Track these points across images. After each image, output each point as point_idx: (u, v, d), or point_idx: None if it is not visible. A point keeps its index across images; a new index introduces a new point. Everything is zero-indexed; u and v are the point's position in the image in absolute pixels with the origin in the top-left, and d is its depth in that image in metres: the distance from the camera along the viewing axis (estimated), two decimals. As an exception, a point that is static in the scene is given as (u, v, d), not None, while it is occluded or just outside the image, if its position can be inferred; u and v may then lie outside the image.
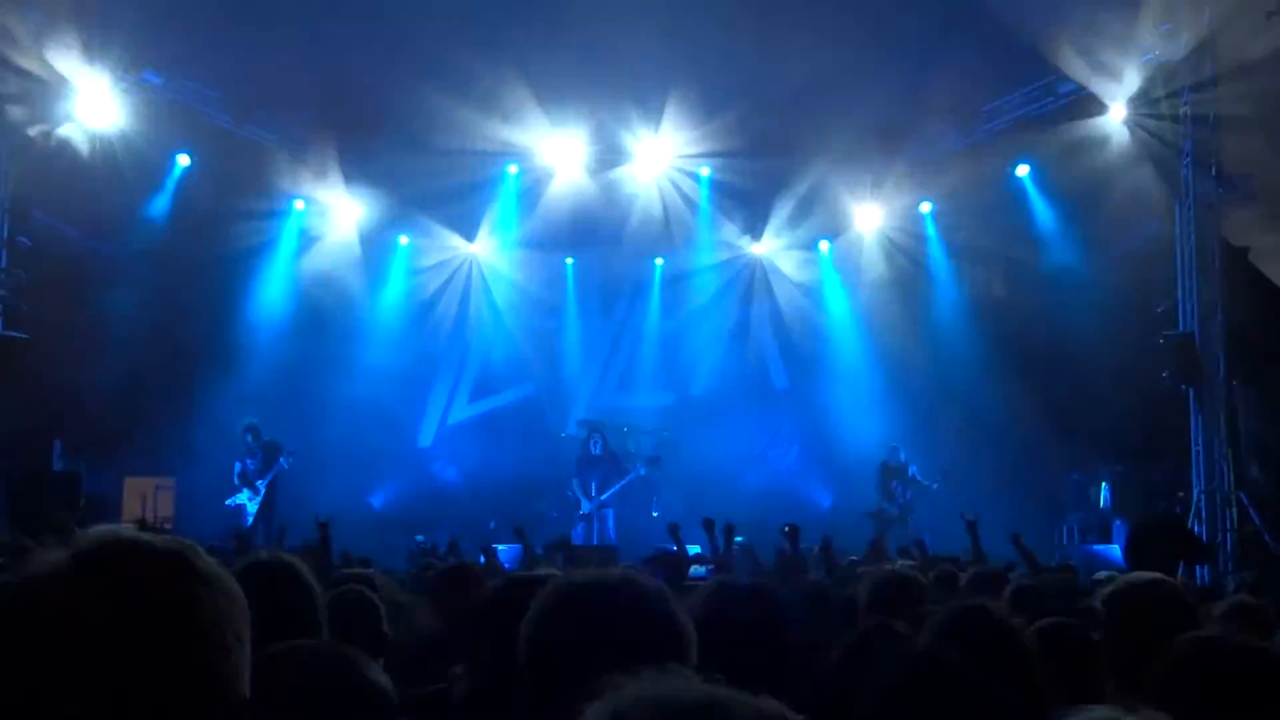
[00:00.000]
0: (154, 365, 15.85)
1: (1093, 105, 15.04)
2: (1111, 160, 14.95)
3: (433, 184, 17.72)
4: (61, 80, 14.00)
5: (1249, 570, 11.15)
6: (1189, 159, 13.69)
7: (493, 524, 15.15)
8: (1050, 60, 14.77)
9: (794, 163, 17.59)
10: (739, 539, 10.06)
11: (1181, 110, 13.73)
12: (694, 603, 2.94)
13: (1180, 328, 13.73)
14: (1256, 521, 12.66)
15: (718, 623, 2.81)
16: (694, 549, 10.43)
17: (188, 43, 14.51)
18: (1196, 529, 13.09)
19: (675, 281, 20.00)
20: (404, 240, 19.31)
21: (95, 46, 14.12)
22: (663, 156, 18.02)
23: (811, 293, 19.84)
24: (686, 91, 15.95)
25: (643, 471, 17.57)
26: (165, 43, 14.38)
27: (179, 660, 1.40)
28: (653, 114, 16.88)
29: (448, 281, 19.76)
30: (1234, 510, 13.00)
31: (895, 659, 2.71)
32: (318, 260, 18.45)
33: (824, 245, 19.61)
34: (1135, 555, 7.39)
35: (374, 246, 18.99)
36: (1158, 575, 3.59)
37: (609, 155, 18.05)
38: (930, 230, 18.43)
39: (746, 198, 18.84)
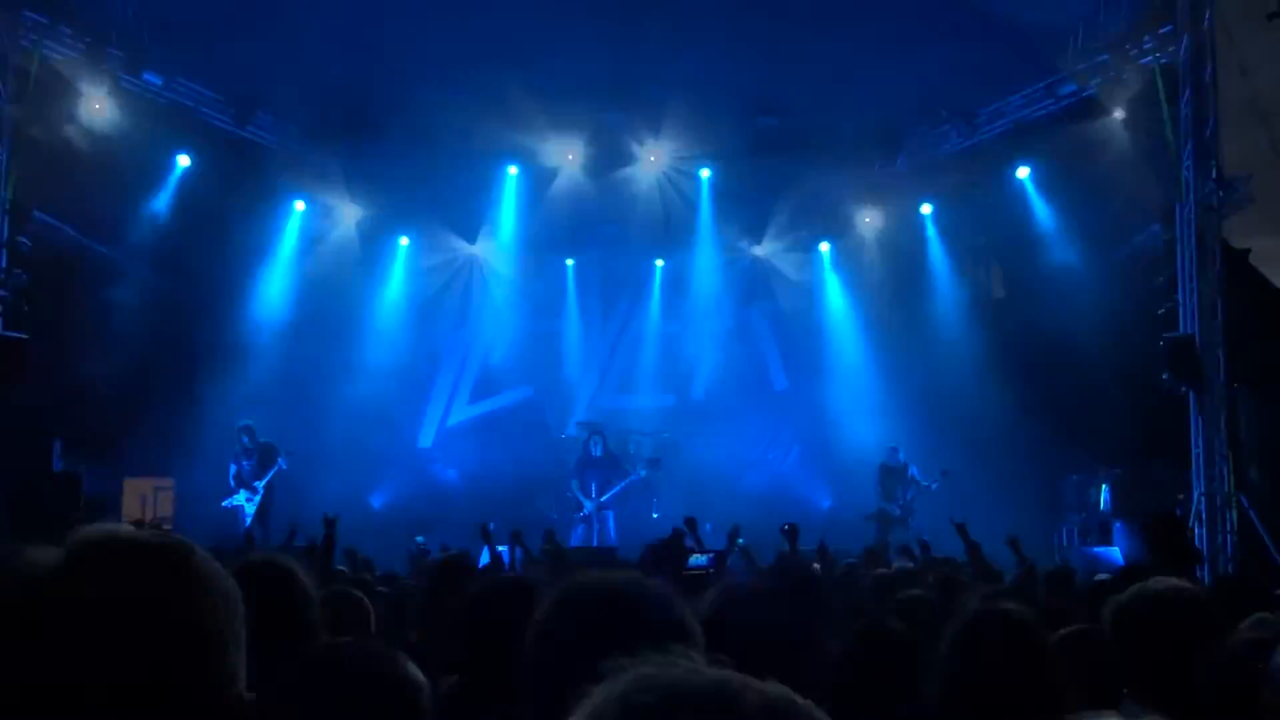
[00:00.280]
0: (154, 366, 15.85)
1: (1093, 107, 15.04)
2: (1112, 162, 14.94)
3: (433, 185, 17.75)
4: (62, 81, 14.00)
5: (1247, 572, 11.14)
6: (1189, 161, 13.67)
7: (492, 525, 15.10)
8: (1051, 62, 14.77)
9: (794, 164, 17.59)
10: (739, 540, 10.05)
11: (1181, 112, 13.72)
12: (702, 605, 2.94)
13: (1180, 329, 13.71)
14: (1258, 525, 12.65)
15: (726, 625, 2.81)
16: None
17: (189, 44, 14.52)
18: (1198, 531, 13.09)
19: (675, 283, 20.00)
20: (405, 241, 19.33)
21: (96, 48, 14.12)
22: (663, 158, 18.04)
23: (811, 294, 19.85)
24: (687, 93, 15.96)
25: (643, 473, 17.56)
26: (166, 43, 14.39)
27: (174, 659, 1.39)
28: (653, 115, 16.90)
29: (448, 282, 19.78)
30: (1234, 512, 12.99)
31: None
32: (318, 261, 18.46)
33: (824, 246, 19.63)
34: (1152, 549, 7.38)
35: (375, 247, 19.01)
36: (1177, 582, 3.53)
37: (610, 156, 18.07)
38: (930, 232, 18.44)
39: (747, 199, 18.85)
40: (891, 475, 16.66)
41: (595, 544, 16.07)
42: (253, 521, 15.32)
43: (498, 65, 14.71)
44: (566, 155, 18.01)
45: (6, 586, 1.41)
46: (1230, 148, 13.32)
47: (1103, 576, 8.25)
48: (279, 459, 15.62)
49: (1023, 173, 16.83)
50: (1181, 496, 13.63)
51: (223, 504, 15.69)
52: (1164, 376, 13.67)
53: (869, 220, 18.83)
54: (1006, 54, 14.37)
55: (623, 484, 17.18)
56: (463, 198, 18.49)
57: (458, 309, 19.84)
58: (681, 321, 20.00)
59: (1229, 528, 13.02)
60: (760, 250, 19.72)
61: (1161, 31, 13.83)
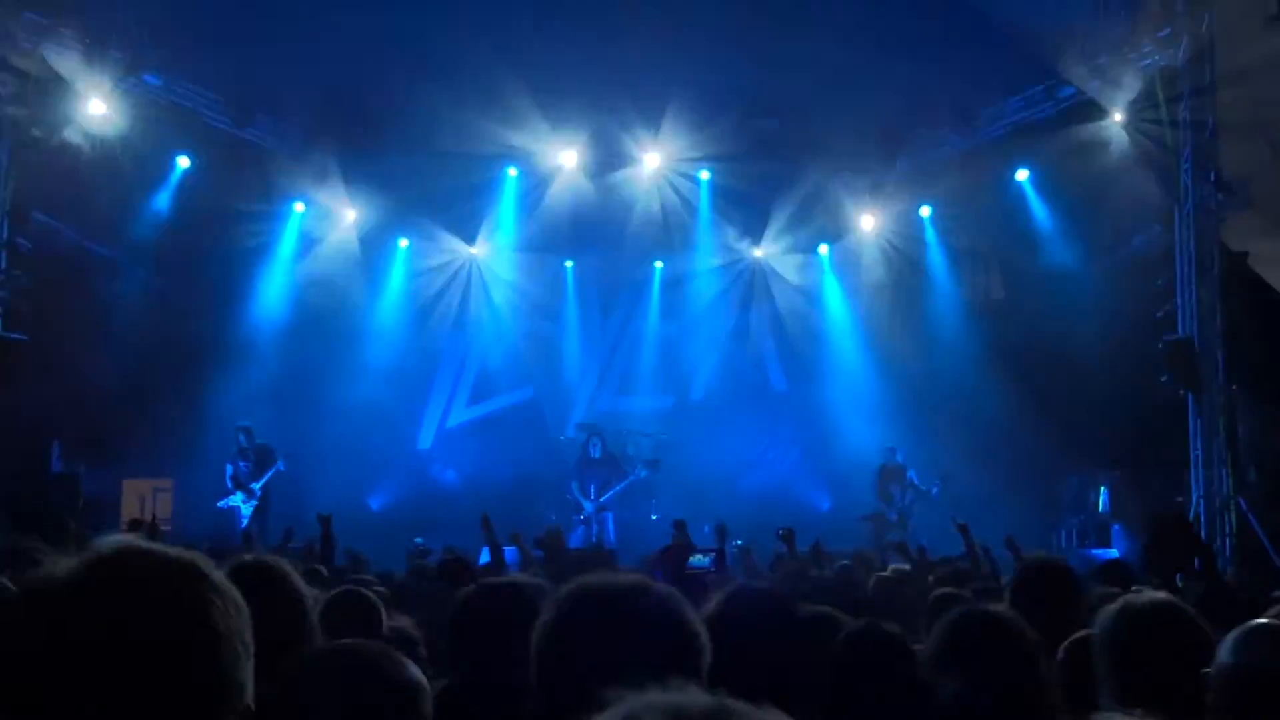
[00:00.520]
0: (153, 367, 15.85)
1: (1092, 110, 15.04)
2: (1111, 165, 14.95)
3: (433, 186, 17.75)
4: (62, 82, 13.99)
5: (1247, 574, 11.14)
6: (1188, 164, 13.68)
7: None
8: (1050, 65, 14.78)
9: (794, 166, 17.62)
10: (737, 541, 10.08)
11: (1181, 115, 13.72)
12: (708, 607, 2.95)
13: (1179, 332, 13.72)
14: (1256, 528, 12.65)
15: (731, 627, 2.81)
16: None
17: (188, 45, 14.51)
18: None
19: (675, 284, 20.01)
20: (404, 243, 19.33)
21: (96, 48, 14.12)
22: (662, 159, 18.03)
23: (811, 296, 19.86)
24: (686, 94, 15.97)
25: (643, 474, 17.55)
26: (166, 45, 14.39)
27: (190, 670, 1.41)
28: (652, 117, 16.90)
29: (447, 284, 19.78)
30: (1232, 515, 12.99)
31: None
32: (318, 262, 18.46)
33: (823, 249, 19.63)
34: (1154, 556, 7.36)
35: (374, 249, 19.01)
36: (1164, 596, 3.51)
37: (609, 158, 18.07)
38: (930, 234, 18.45)
39: (746, 201, 18.85)
40: (889, 476, 16.65)
41: (594, 544, 16.05)
42: (250, 522, 15.31)
43: (497, 67, 14.72)
44: (566, 157, 18.01)
45: (26, 597, 1.43)
46: (1229, 151, 13.33)
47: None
48: (278, 461, 15.62)
49: (1022, 175, 16.84)
50: (1180, 499, 13.63)
51: (219, 504, 15.68)
52: (1163, 379, 13.68)
53: (868, 222, 18.84)
54: (1006, 57, 14.37)
55: (622, 485, 17.17)
56: (462, 199, 18.49)
57: (457, 310, 19.83)
58: (680, 323, 20.00)
59: (1228, 530, 13.03)
60: (759, 252, 19.73)
61: (1161, 34, 13.83)
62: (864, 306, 19.14)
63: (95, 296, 15.41)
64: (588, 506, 17.00)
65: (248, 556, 3.28)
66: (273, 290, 18.01)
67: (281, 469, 15.65)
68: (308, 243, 18.42)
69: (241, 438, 15.86)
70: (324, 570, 7.55)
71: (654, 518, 17.41)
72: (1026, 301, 17.40)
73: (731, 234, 19.52)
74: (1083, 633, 3.85)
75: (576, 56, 14.76)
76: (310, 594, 3.22)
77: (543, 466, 18.57)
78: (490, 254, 19.68)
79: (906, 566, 8.99)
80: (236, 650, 1.47)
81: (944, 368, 17.55)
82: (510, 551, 11.40)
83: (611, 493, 17.08)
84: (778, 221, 19.02)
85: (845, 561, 10.02)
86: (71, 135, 14.24)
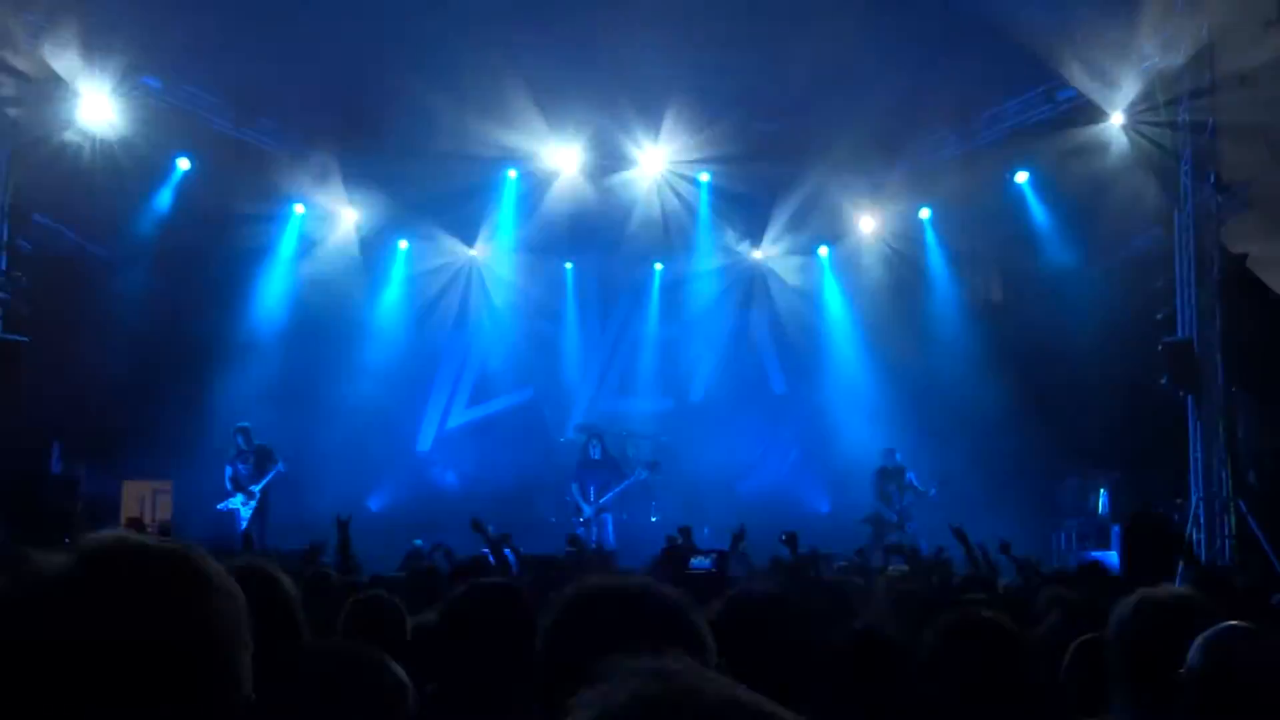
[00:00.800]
0: (154, 368, 15.88)
1: (1092, 112, 15.04)
2: (1110, 167, 14.95)
3: (432, 188, 17.75)
4: (62, 84, 14.00)
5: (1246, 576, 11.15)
6: (1188, 166, 13.69)
7: (492, 528, 15.10)
8: (1049, 67, 14.78)
9: (793, 168, 17.61)
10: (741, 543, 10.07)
11: (1180, 117, 13.73)
12: (713, 609, 2.95)
13: (1179, 334, 13.73)
14: (1256, 530, 12.66)
15: (735, 629, 2.82)
16: None
17: (188, 47, 14.51)
18: (1195, 536, 13.10)
19: (674, 286, 20.02)
20: (403, 244, 19.36)
21: (96, 51, 14.12)
22: (662, 161, 18.03)
23: (810, 298, 19.87)
24: (686, 96, 15.96)
25: (643, 475, 17.56)
26: (166, 47, 14.38)
27: (186, 664, 1.41)
28: (652, 119, 16.89)
29: (447, 285, 19.80)
30: (1232, 517, 13.00)
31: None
32: (317, 264, 18.47)
33: (823, 251, 19.65)
34: (1131, 556, 7.40)
35: (374, 250, 19.03)
36: (1183, 591, 3.47)
37: (608, 160, 18.06)
38: (929, 236, 18.46)
39: (746, 203, 18.85)
40: (888, 478, 16.66)
41: (593, 547, 16.05)
42: (249, 525, 15.31)
43: (497, 68, 14.72)
44: (566, 159, 18.01)
45: (20, 592, 1.42)
46: (1229, 153, 13.34)
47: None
48: (278, 463, 15.62)
49: (1021, 177, 16.84)
50: (1180, 501, 13.65)
51: (218, 507, 15.68)
52: (1162, 381, 13.69)
53: (868, 224, 18.84)
54: (1005, 59, 14.36)
55: (622, 486, 17.17)
56: (462, 201, 18.49)
57: (456, 312, 19.85)
58: (680, 325, 20.01)
59: (1227, 532, 13.04)
60: (759, 254, 19.74)
61: (1160, 36, 13.84)
62: (863, 308, 19.14)
63: (95, 298, 15.42)
64: (587, 509, 17.00)
65: (239, 558, 3.29)
66: (273, 292, 18.03)
67: (282, 470, 15.64)
68: (308, 244, 18.44)
69: (240, 439, 15.85)
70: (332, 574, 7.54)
71: (653, 519, 17.43)
72: (1026, 303, 17.42)
73: (731, 236, 19.54)
74: (1089, 635, 3.86)
75: (576, 58, 14.76)
76: (297, 594, 3.22)
77: (542, 468, 18.58)
78: (490, 255, 19.69)
79: (905, 568, 9.00)
80: (233, 643, 1.47)
81: (943, 369, 17.55)
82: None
83: (611, 494, 17.08)
84: (777, 223, 19.03)
85: (842, 563, 10.04)
86: (71, 137, 14.26)
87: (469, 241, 19.48)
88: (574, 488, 17.28)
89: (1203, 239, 13.61)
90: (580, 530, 16.77)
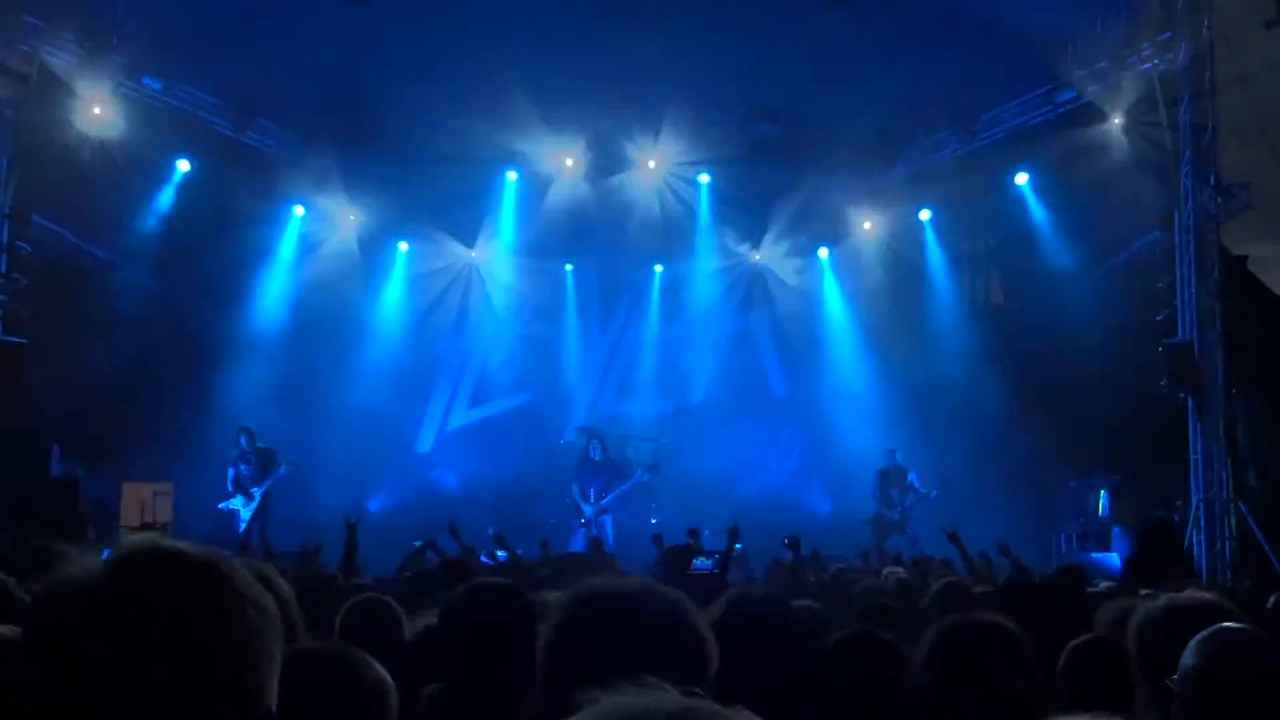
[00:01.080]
0: (154, 370, 15.86)
1: (1092, 114, 15.05)
2: (1110, 168, 14.95)
3: (432, 190, 17.76)
4: (62, 86, 14.00)
5: (1247, 578, 11.15)
6: (1188, 167, 13.69)
7: (491, 530, 15.12)
8: (1050, 68, 14.79)
9: (793, 170, 17.60)
10: (737, 546, 10.06)
11: (1180, 119, 13.73)
12: (711, 611, 2.94)
13: (1179, 336, 13.72)
14: (1256, 532, 12.65)
15: (734, 630, 2.81)
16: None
17: (188, 49, 14.53)
18: (1196, 537, 13.10)
19: (674, 288, 20.01)
20: (403, 246, 19.36)
21: (96, 52, 14.13)
22: (662, 163, 18.04)
23: (810, 299, 19.86)
24: (686, 98, 15.96)
25: (644, 478, 17.54)
26: (166, 49, 14.39)
27: (210, 674, 1.41)
28: (651, 121, 16.91)
29: (447, 287, 19.79)
30: (1232, 519, 12.99)
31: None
32: (318, 266, 18.47)
33: (823, 252, 19.64)
34: (1141, 562, 7.39)
35: (374, 252, 19.03)
36: (1209, 596, 3.43)
37: (608, 162, 18.08)
38: (929, 237, 18.46)
39: (745, 204, 18.87)
40: (889, 479, 16.65)
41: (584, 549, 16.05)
42: (249, 526, 15.30)
43: (496, 71, 14.72)
44: (565, 160, 18.02)
45: (47, 598, 1.42)
46: (1229, 154, 13.34)
47: (1108, 584, 8.28)
48: (281, 466, 15.60)
49: (1021, 179, 16.84)
50: (1180, 503, 13.64)
51: (219, 506, 15.67)
52: (1163, 382, 13.68)
53: (868, 226, 18.84)
54: (1005, 60, 14.38)
55: (623, 488, 17.17)
56: (462, 203, 18.51)
57: (456, 314, 19.84)
58: (680, 327, 20.00)
59: (1227, 534, 13.04)
60: (759, 256, 19.74)
61: (1160, 38, 13.85)
62: (863, 310, 19.12)
63: (95, 300, 15.41)
64: (587, 510, 16.99)
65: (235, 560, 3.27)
66: (273, 293, 18.02)
67: (283, 474, 15.63)
68: (308, 246, 18.44)
69: (243, 440, 15.84)
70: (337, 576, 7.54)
71: (654, 521, 17.38)
72: (1026, 305, 17.42)
73: (731, 237, 19.53)
74: (1085, 637, 3.85)
75: (576, 60, 14.76)
76: (293, 596, 3.22)
77: (542, 470, 18.57)
78: (490, 257, 19.69)
79: (900, 570, 9.00)
80: (257, 653, 1.46)
81: (943, 371, 17.54)
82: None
83: (613, 495, 17.08)
84: (777, 225, 19.04)
85: (840, 565, 10.03)
86: (71, 139, 14.25)
87: (469, 243, 19.48)
88: (574, 489, 17.26)
89: (1203, 240, 13.61)
90: (580, 532, 16.78)
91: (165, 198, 16.23)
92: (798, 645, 3.07)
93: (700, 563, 9.12)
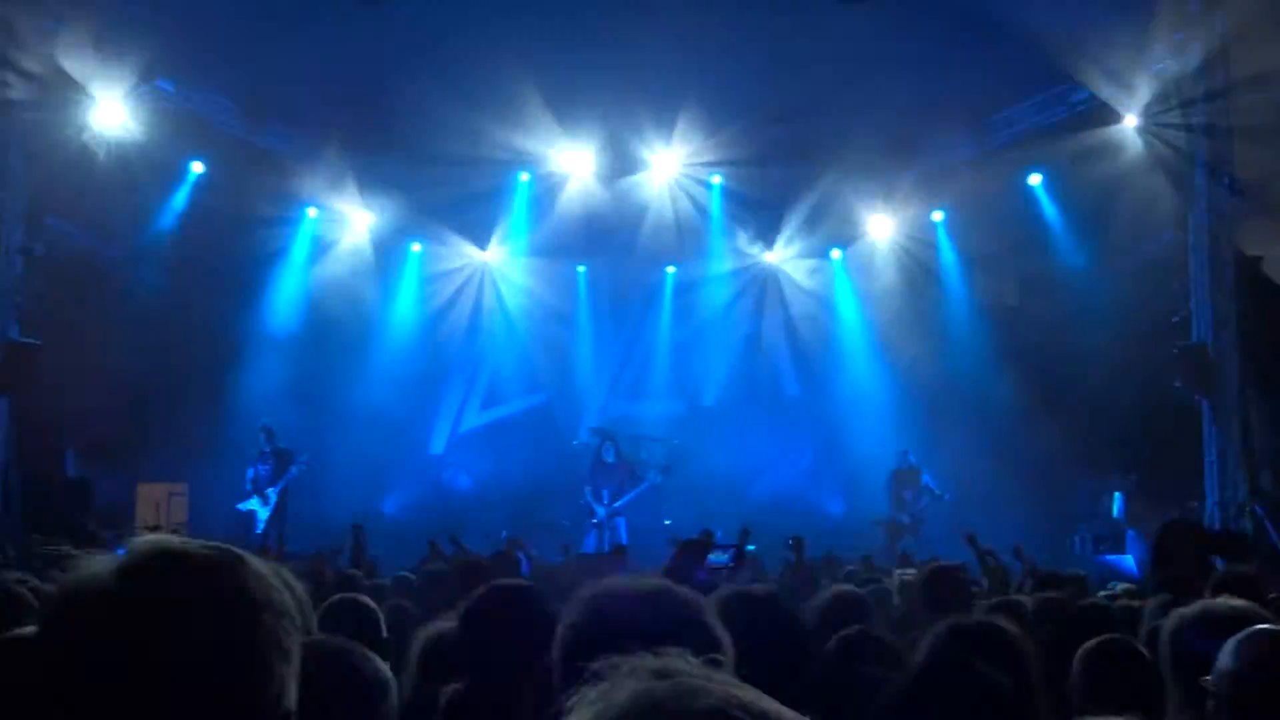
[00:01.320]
0: (168, 371, 15.93)
1: (1106, 114, 15.00)
2: (1125, 169, 14.91)
3: (445, 191, 17.78)
4: (76, 88, 14.06)
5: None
6: (1203, 168, 13.64)
7: (504, 533, 15.15)
8: (1063, 69, 14.74)
9: (806, 171, 17.59)
10: (750, 547, 10.06)
11: (1195, 119, 13.69)
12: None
13: (1194, 337, 13.68)
14: (1273, 536, 12.59)
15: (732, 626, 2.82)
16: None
17: (201, 51, 14.56)
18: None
19: (687, 289, 20.00)
20: (416, 248, 19.38)
21: (110, 55, 14.18)
22: (675, 164, 18.04)
23: (823, 301, 19.84)
24: (698, 100, 15.95)
25: (658, 480, 17.54)
26: (179, 51, 14.43)
27: (225, 674, 1.40)
28: (665, 122, 16.90)
29: (460, 289, 19.81)
30: (1247, 520, 12.93)
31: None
32: (330, 267, 18.52)
33: (836, 254, 19.61)
34: (1161, 562, 7.33)
35: (386, 254, 19.06)
36: (1241, 602, 3.40)
37: (621, 163, 18.07)
38: (942, 239, 18.41)
39: (758, 206, 18.85)
40: (902, 480, 16.62)
41: (607, 550, 16.06)
42: (267, 526, 15.35)
43: (509, 72, 14.74)
44: (578, 162, 18.02)
45: (59, 599, 1.42)
46: (1243, 155, 13.29)
47: (1125, 586, 8.26)
48: (292, 466, 15.64)
49: (1035, 180, 16.80)
50: (1195, 504, 13.59)
51: (237, 506, 15.74)
52: (1177, 384, 13.64)
53: (881, 227, 18.81)
54: (1019, 61, 14.35)
55: (636, 491, 17.19)
56: (474, 205, 18.51)
57: (469, 315, 19.86)
58: (693, 328, 19.98)
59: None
60: (772, 257, 19.72)
61: (1175, 38, 13.80)
62: (877, 311, 19.09)
63: (109, 301, 15.46)
64: (600, 511, 17.00)
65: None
66: (286, 295, 18.07)
67: (295, 474, 15.67)
68: (321, 248, 18.49)
69: (262, 439, 15.89)
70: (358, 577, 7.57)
71: (667, 523, 17.38)
72: (1040, 306, 17.36)
73: (744, 239, 19.52)
74: (1096, 640, 3.83)
75: (589, 61, 14.77)
76: (306, 598, 3.21)
77: (555, 471, 18.57)
78: (503, 259, 19.71)
79: (912, 571, 8.97)
80: (273, 655, 1.44)
81: (957, 372, 17.51)
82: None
83: (627, 498, 17.09)
84: (790, 226, 19.01)
85: (852, 567, 10.02)
86: (85, 141, 14.30)
87: (481, 245, 19.50)
88: (587, 491, 17.28)
89: (1218, 241, 13.56)
90: (593, 533, 16.80)
91: (179, 199, 16.27)
92: (792, 642, 3.07)
93: (715, 557, 9.11)
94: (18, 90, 13.39)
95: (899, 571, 8.92)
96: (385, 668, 2.39)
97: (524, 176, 18.48)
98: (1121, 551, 14.46)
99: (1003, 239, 17.84)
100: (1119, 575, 11.58)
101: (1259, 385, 13.47)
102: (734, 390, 19.66)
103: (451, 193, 17.85)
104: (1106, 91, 14.76)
